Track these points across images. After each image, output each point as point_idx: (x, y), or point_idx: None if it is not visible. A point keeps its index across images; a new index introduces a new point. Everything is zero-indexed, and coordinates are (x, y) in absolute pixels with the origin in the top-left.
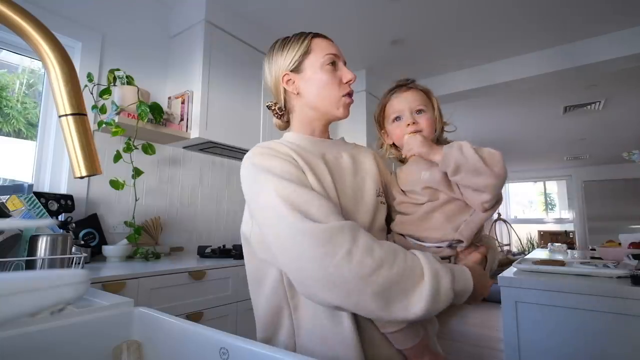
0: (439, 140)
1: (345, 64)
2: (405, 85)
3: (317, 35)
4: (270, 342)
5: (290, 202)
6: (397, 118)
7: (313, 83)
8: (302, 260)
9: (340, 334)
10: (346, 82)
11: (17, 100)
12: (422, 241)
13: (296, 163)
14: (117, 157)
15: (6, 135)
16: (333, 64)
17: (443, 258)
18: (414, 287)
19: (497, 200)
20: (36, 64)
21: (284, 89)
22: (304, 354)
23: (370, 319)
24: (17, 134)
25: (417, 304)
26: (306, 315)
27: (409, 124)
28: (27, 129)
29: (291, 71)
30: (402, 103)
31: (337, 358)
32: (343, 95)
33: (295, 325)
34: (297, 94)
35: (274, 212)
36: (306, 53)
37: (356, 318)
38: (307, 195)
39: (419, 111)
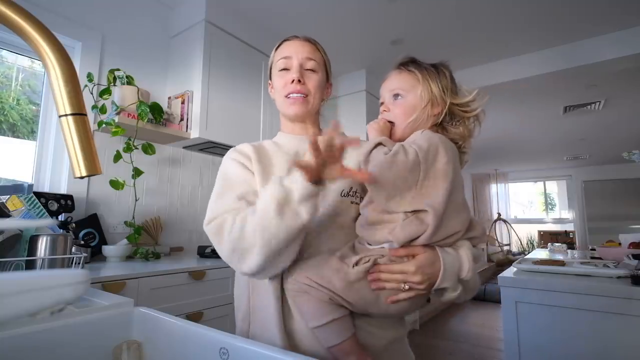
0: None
1: (304, 63)
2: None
3: (286, 39)
4: (238, 319)
5: (212, 200)
6: (382, 104)
7: (273, 86)
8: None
9: (269, 310)
10: (291, 83)
11: (13, 99)
12: (368, 244)
13: (250, 165)
14: (117, 157)
15: (3, 135)
16: (285, 68)
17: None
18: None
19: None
20: (34, 63)
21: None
22: (255, 335)
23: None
24: (12, 131)
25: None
26: (258, 298)
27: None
28: (21, 125)
29: (270, 73)
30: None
31: (269, 341)
32: (285, 96)
33: (251, 306)
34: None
35: None
36: (273, 61)
37: (283, 306)
38: (224, 197)
39: (396, 95)
